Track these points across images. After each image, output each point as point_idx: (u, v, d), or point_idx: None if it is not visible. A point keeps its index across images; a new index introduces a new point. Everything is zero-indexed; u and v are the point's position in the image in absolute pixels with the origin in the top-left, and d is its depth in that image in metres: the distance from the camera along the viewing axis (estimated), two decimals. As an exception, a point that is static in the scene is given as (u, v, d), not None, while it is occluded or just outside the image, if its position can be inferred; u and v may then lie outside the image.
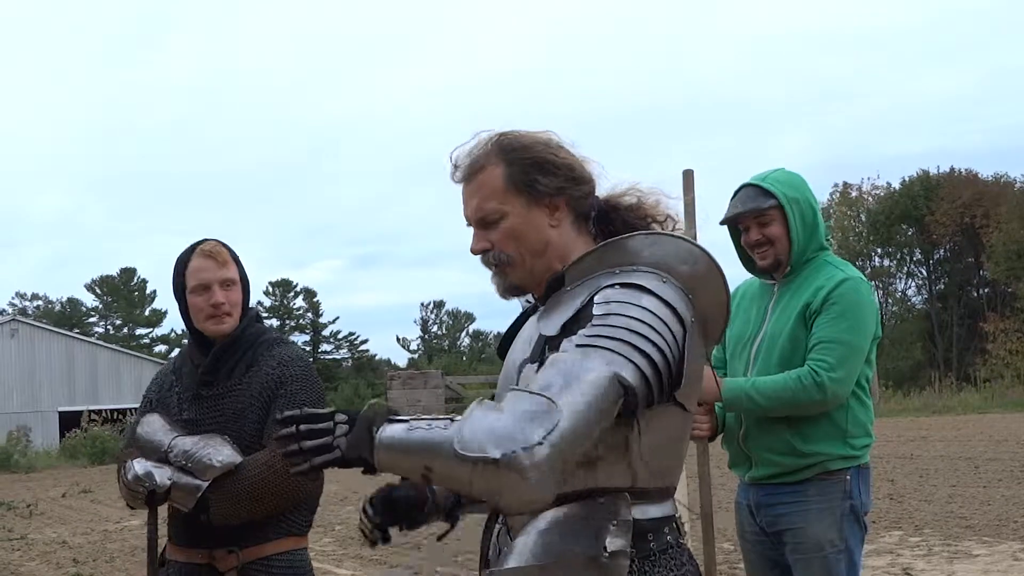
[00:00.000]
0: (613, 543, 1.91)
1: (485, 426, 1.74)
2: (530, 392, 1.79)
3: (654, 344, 1.89)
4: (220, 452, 2.96)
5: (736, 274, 3.59)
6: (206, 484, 2.92)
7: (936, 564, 7.77)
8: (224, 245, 3.18)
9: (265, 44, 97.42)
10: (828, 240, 3.45)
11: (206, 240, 3.18)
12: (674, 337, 1.92)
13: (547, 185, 2.12)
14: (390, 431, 1.80)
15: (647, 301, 1.95)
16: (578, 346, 1.88)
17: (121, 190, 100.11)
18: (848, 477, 3.28)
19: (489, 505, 1.94)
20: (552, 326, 2.04)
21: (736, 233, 3.47)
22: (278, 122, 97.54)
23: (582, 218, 2.16)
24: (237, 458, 2.96)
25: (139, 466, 2.98)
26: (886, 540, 8.74)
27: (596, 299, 1.98)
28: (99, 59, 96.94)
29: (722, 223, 3.48)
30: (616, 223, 2.16)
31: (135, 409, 3.43)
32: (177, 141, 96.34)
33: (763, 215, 3.35)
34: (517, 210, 2.13)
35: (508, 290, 2.18)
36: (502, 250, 2.14)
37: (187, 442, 3.00)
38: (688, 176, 3.55)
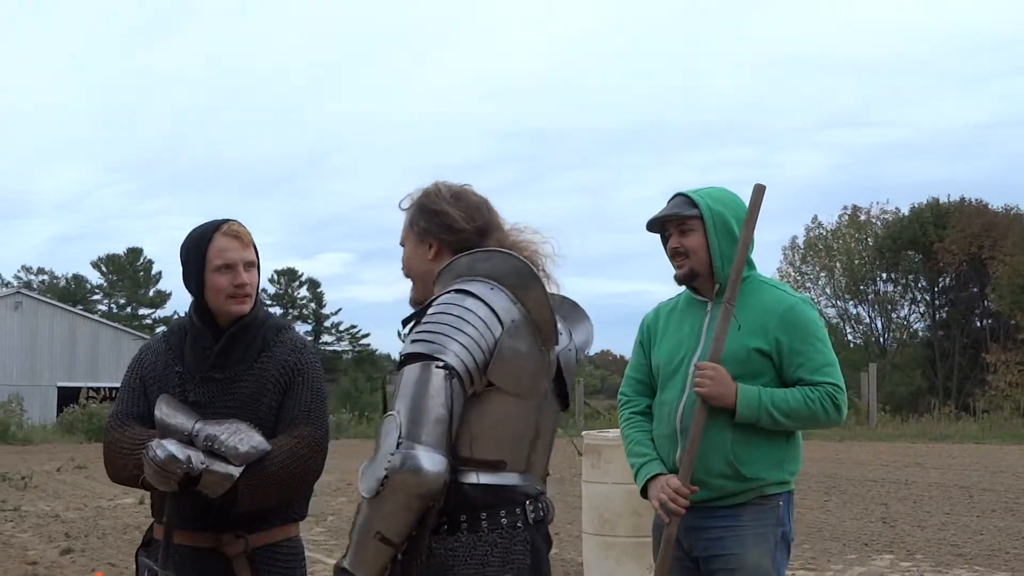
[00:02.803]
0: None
1: (365, 468, 2.34)
2: (385, 415, 2.38)
3: (467, 334, 2.39)
4: (251, 438, 2.89)
5: (668, 290, 3.54)
6: (240, 471, 2.84)
7: (926, 590, 7.77)
8: (244, 227, 3.12)
9: (282, 37, 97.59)
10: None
11: (228, 220, 3.10)
12: (488, 329, 2.42)
13: (423, 228, 2.68)
14: (349, 555, 2.40)
15: (469, 302, 2.44)
16: (410, 342, 2.42)
17: (134, 172, 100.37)
18: (781, 503, 3.24)
19: (425, 505, 2.35)
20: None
21: (667, 242, 3.37)
22: (292, 114, 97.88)
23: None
24: (267, 445, 2.91)
25: (175, 448, 2.81)
26: (877, 563, 8.75)
27: (433, 303, 2.49)
28: (119, 43, 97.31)
29: (647, 228, 3.38)
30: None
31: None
32: (192, 128, 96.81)
33: (683, 223, 3.25)
34: (410, 244, 2.74)
35: (412, 303, 2.75)
36: (405, 271, 2.78)
37: (214, 428, 2.89)
38: (757, 191, 3.27)
